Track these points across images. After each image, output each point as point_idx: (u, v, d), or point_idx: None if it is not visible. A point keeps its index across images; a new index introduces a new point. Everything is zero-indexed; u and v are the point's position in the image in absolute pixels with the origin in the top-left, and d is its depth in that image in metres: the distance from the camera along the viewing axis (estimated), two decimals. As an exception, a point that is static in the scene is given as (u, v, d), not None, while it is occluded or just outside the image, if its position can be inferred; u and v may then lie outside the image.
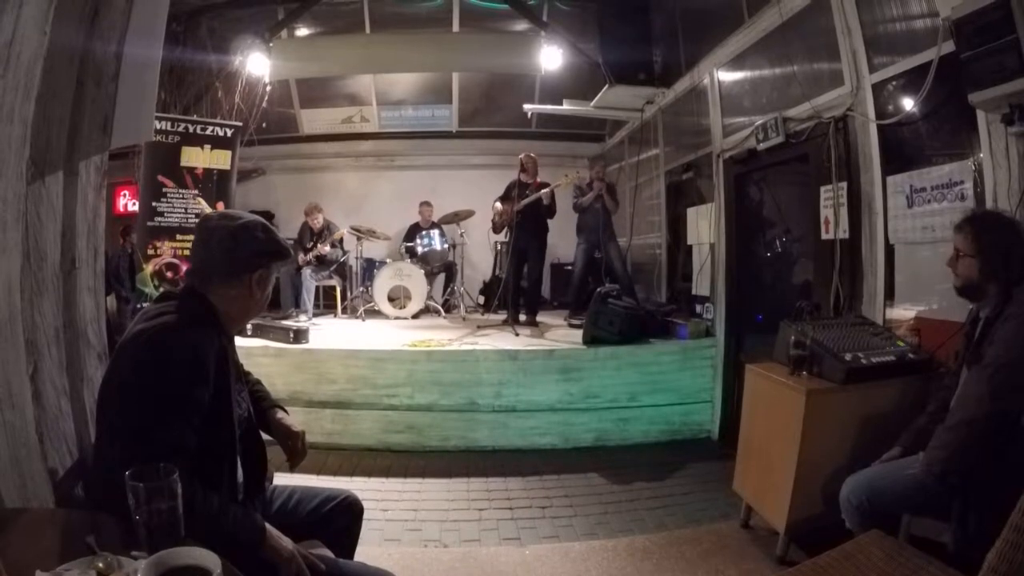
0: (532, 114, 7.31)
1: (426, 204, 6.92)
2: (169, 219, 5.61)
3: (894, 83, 2.85)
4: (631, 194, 5.93)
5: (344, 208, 7.26)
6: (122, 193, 7.30)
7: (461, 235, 6.47)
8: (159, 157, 5.56)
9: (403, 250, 6.61)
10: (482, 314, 6.29)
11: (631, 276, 5.41)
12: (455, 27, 6.76)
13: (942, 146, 2.61)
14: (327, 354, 4.04)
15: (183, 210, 5.65)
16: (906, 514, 1.94)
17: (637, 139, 6.42)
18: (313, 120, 7.85)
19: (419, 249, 6.36)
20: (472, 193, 6.80)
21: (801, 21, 3.50)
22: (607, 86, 5.52)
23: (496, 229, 5.71)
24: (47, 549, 1.00)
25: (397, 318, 5.88)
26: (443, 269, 6.76)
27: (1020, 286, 1.86)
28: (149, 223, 5.55)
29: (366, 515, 1.76)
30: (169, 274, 5.40)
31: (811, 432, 2.31)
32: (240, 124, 6.11)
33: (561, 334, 4.78)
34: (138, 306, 4.71)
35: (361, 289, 6.36)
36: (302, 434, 1.65)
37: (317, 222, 6.19)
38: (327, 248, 6.06)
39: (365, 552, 1.78)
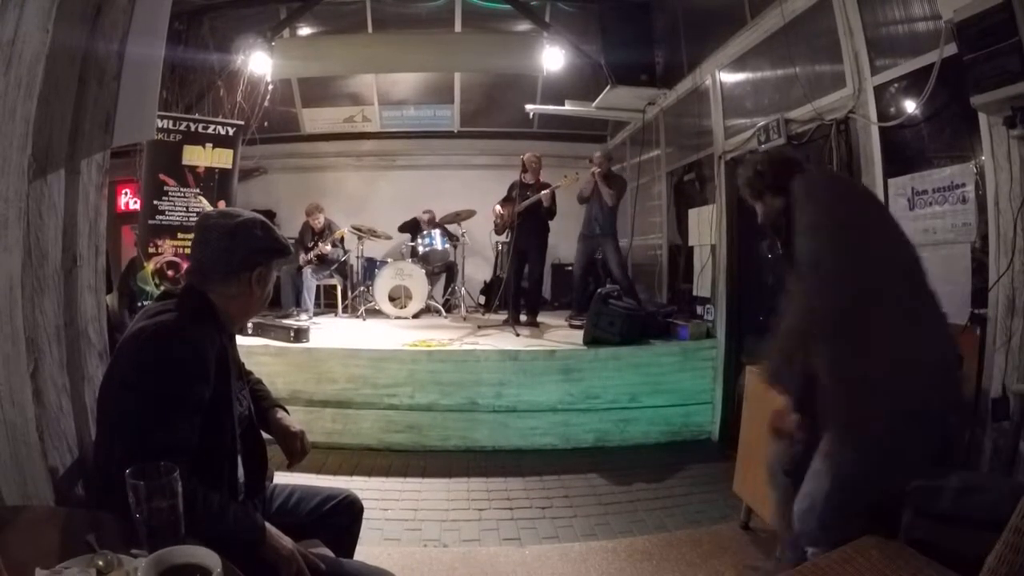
0: (534, 114, 7.31)
1: (428, 213, 6.91)
2: (171, 218, 5.61)
3: (896, 85, 2.84)
4: (632, 195, 5.93)
5: (345, 208, 7.26)
6: (124, 191, 7.30)
7: (462, 235, 6.47)
8: (161, 156, 5.56)
9: (404, 249, 6.61)
10: (483, 314, 6.29)
11: (631, 277, 5.40)
12: (457, 27, 6.77)
13: (944, 149, 2.61)
14: (328, 353, 4.04)
15: (184, 209, 5.66)
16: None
17: (639, 140, 6.42)
18: (315, 119, 7.85)
19: (420, 249, 6.36)
20: (473, 193, 6.80)
21: (803, 23, 3.50)
22: (609, 87, 5.52)
23: (498, 231, 5.71)
24: (47, 547, 1.00)
25: (398, 318, 5.88)
26: (444, 269, 6.76)
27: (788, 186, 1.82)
28: (150, 221, 5.55)
29: (366, 514, 1.76)
30: (170, 273, 5.41)
31: (811, 434, 2.30)
32: (242, 123, 6.11)
33: (562, 335, 4.78)
34: (139, 304, 4.71)
35: (362, 288, 6.36)
36: (302, 433, 1.64)
37: (318, 222, 6.20)
38: (328, 247, 6.06)
39: (365, 551, 1.78)
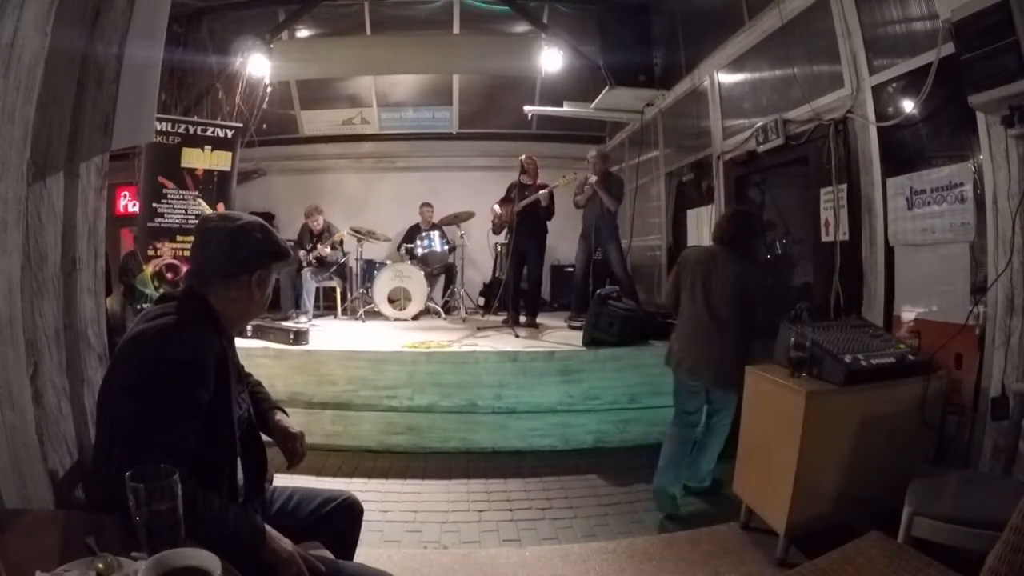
0: (532, 116, 7.33)
1: (427, 205, 6.92)
2: (169, 220, 5.61)
3: (894, 85, 2.85)
4: (631, 196, 5.93)
5: (344, 209, 7.26)
6: (123, 194, 7.30)
7: (461, 237, 6.47)
8: (159, 158, 5.56)
9: (403, 251, 6.61)
10: (482, 315, 6.29)
11: (632, 277, 5.38)
12: (455, 29, 6.78)
13: (942, 148, 2.62)
14: (327, 355, 4.04)
15: (183, 211, 5.65)
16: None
17: (637, 141, 6.43)
18: (313, 121, 7.86)
19: (419, 251, 6.37)
20: (472, 195, 6.81)
21: (801, 23, 3.51)
22: (607, 88, 5.53)
23: (496, 230, 5.71)
24: (47, 550, 1.00)
25: (397, 319, 5.88)
26: (443, 271, 6.76)
27: None
28: (149, 224, 5.55)
29: (366, 516, 1.76)
30: (169, 275, 5.41)
31: (811, 433, 2.31)
32: (240, 125, 6.12)
33: (561, 336, 4.77)
34: (138, 307, 4.71)
35: (361, 290, 6.36)
36: (301, 435, 1.64)
37: (317, 224, 6.19)
38: (327, 250, 6.06)
39: (365, 553, 1.77)
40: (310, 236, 6.21)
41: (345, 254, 6.44)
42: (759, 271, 2.91)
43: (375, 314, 6.04)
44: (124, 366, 1.28)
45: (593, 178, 5.04)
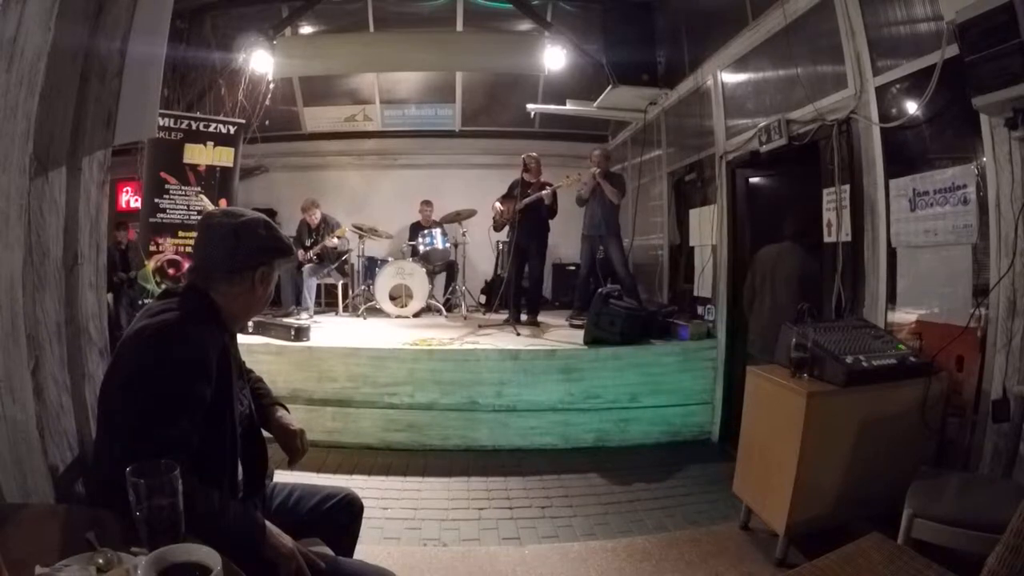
0: (535, 114, 7.31)
1: (426, 203, 6.91)
2: (171, 216, 5.62)
3: (898, 86, 2.84)
4: (633, 195, 5.92)
5: (346, 206, 7.27)
6: (125, 189, 7.31)
7: (463, 234, 6.47)
8: (162, 154, 5.57)
9: (404, 248, 6.61)
10: (483, 313, 6.29)
11: (634, 276, 5.38)
12: (459, 26, 6.77)
13: (945, 150, 2.61)
14: (328, 352, 4.05)
15: (185, 207, 5.66)
16: None
17: (640, 140, 6.41)
18: (316, 118, 7.85)
19: (421, 248, 6.36)
20: (474, 192, 6.80)
21: (805, 23, 3.50)
22: (610, 87, 5.51)
23: (497, 228, 5.70)
24: (47, 545, 1.01)
25: (398, 317, 5.89)
26: (444, 268, 6.76)
27: None
28: (151, 219, 5.56)
29: (366, 513, 1.76)
30: (171, 271, 5.41)
31: (812, 434, 2.31)
32: (243, 121, 6.12)
33: (562, 334, 4.77)
34: (139, 303, 4.72)
35: (363, 287, 6.36)
36: (301, 432, 1.64)
37: (315, 217, 6.16)
38: (335, 240, 6.05)
39: (364, 550, 1.78)
40: (308, 231, 6.20)
41: (348, 251, 6.45)
42: (818, 261, 3.26)
43: (376, 311, 6.04)
44: (125, 361, 1.27)
45: (595, 169, 5.13)
